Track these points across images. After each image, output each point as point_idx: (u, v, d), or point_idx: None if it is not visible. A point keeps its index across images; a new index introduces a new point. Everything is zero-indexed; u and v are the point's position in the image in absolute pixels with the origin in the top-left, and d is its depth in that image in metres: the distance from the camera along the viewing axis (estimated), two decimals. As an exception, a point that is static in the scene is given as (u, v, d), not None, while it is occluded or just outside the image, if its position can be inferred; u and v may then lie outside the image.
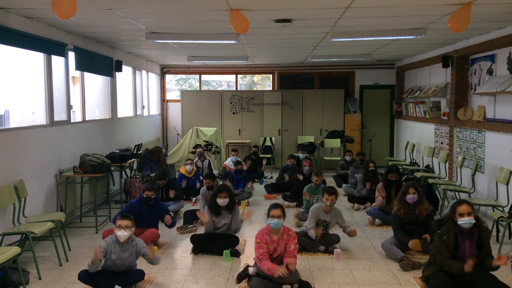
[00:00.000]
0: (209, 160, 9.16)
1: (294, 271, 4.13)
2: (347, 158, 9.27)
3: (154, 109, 11.67)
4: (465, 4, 4.62)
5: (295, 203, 7.40)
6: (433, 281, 3.93)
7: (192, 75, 12.76)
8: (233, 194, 5.32)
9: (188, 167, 7.99)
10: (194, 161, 9.09)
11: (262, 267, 4.11)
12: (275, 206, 4.34)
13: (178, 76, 12.97)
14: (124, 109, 9.29)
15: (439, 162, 8.36)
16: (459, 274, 3.84)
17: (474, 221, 3.89)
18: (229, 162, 9.13)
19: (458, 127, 7.78)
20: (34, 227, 4.68)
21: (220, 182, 7.21)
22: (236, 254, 5.08)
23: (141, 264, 4.69)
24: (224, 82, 13.14)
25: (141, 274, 4.21)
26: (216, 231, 5.23)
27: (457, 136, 7.82)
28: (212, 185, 6.32)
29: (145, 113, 10.71)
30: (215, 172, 9.54)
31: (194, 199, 7.73)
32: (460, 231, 3.94)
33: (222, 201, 5.12)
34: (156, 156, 8.74)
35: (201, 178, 8.46)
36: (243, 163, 8.31)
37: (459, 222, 3.90)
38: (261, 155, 10.85)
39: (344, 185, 8.58)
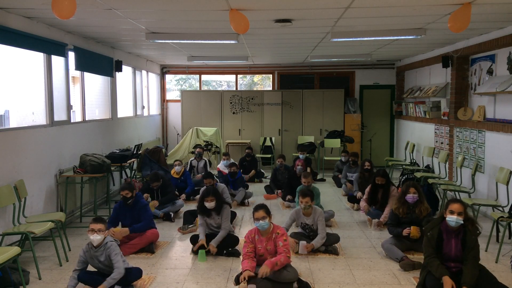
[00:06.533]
0: (205, 160, 9.05)
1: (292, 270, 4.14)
2: (343, 158, 9.21)
3: (154, 109, 11.67)
4: (465, 4, 4.62)
5: (295, 203, 7.39)
6: (431, 282, 3.91)
7: (192, 75, 12.76)
8: (221, 197, 5.44)
9: (177, 168, 7.97)
10: (190, 160, 9.07)
11: (242, 266, 4.17)
12: (256, 208, 4.32)
13: (178, 76, 12.97)
14: (124, 109, 9.29)
15: (439, 162, 8.36)
16: (455, 274, 3.84)
17: (461, 222, 3.83)
18: (221, 166, 9.02)
19: (458, 127, 7.78)
20: (34, 227, 4.68)
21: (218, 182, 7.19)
22: (236, 254, 5.08)
23: (139, 263, 4.71)
24: (224, 82, 13.14)
25: (139, 273, 4.23)
26: (213, 231, 5.29)
27: (457, 136, 7.82)
28: (212, 184, 6.34)
29: (145, 113, 10.71)
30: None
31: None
32: (446, 229, 3.92)
33: (209, 204, 5.20)
34: (156, 156, 8.75)
35: (192, 177, 8.47)
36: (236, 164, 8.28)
37: (447, 219, 3.87)
38: (261, 155, 10.88)
39: (344, 185, 8.59)
